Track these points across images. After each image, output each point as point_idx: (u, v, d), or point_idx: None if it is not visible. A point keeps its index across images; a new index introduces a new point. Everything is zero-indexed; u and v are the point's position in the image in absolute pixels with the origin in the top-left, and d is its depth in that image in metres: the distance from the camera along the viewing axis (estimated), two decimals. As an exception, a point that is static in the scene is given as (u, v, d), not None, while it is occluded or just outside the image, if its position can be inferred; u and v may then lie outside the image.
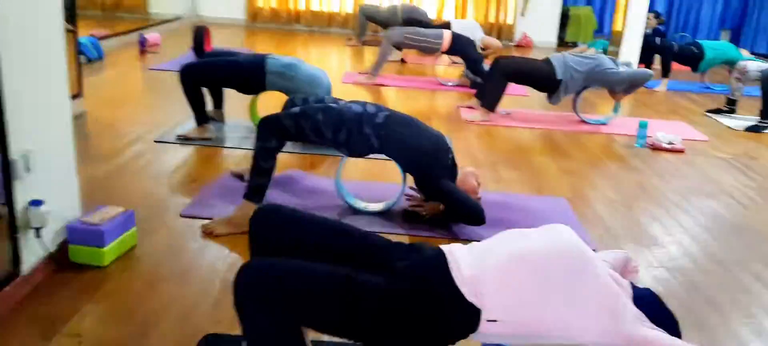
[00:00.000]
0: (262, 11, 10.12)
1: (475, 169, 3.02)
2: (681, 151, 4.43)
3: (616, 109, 5.04)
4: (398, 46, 6.17)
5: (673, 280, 2.58)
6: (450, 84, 6.31)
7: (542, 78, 4.86)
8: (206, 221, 2.76)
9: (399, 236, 2.80)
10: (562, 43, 10.20)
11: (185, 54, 7.02)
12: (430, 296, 1.45)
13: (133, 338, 1.95)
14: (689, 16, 10.43)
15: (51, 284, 2.20)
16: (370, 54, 8.14)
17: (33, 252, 2.20)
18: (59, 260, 2.30)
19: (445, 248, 1.55)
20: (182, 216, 2.86)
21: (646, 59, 7.00)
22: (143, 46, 7.04)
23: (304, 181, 3.37)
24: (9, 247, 2.10)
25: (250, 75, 3.84)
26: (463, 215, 2.80)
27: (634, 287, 1.53)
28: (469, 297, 1.42)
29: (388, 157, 2.89)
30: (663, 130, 4.65)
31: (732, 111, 5.60)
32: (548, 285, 1.43)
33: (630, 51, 7.00)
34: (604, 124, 5.02)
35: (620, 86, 4.83)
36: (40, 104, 2.19)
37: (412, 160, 2.83)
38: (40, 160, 2.15)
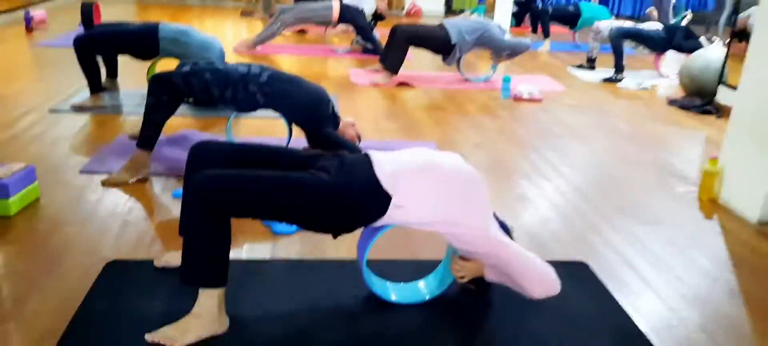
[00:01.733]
0: (154, -14, 10.04)
1: (354, 119, 3.42)
2: (539, 101, 5.03)
3: (493, 68, 5.62)
4: (292, 24, 6.47)
5: (540, 204, 3.10)
6: (341, 51, 6.68)
7: (438, 42, 5.37)
8: (105, 176, 3.02)
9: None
10: (450, 11, 10.77)
11: (74, 30, 7.00)
12: (359, 185, 1.87)
13: (45, 268, 2.22)
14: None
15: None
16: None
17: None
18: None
19: (370, 153, 2.00)
20: (82, 172, 3.09)
21: (532, 24, 7.71)
22: (29, 24, 6.95)
23: (198, 138, 3.65)
24: None
25: (144, 41, 4.06)
26: (341, 147, 3.20)
27: None
28: (386, 188, 1.86)
29: (274, 112, 3.23)
30: (526, 83, 5.25)
31: (592, 68, 6.33)
32: (447, 191, 1.90)
33: (502, 16, 7.65)
34: (485, 81, 5.58)
35: (504, 51, 5.42)
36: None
37: (297, 112, 3.18)
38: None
